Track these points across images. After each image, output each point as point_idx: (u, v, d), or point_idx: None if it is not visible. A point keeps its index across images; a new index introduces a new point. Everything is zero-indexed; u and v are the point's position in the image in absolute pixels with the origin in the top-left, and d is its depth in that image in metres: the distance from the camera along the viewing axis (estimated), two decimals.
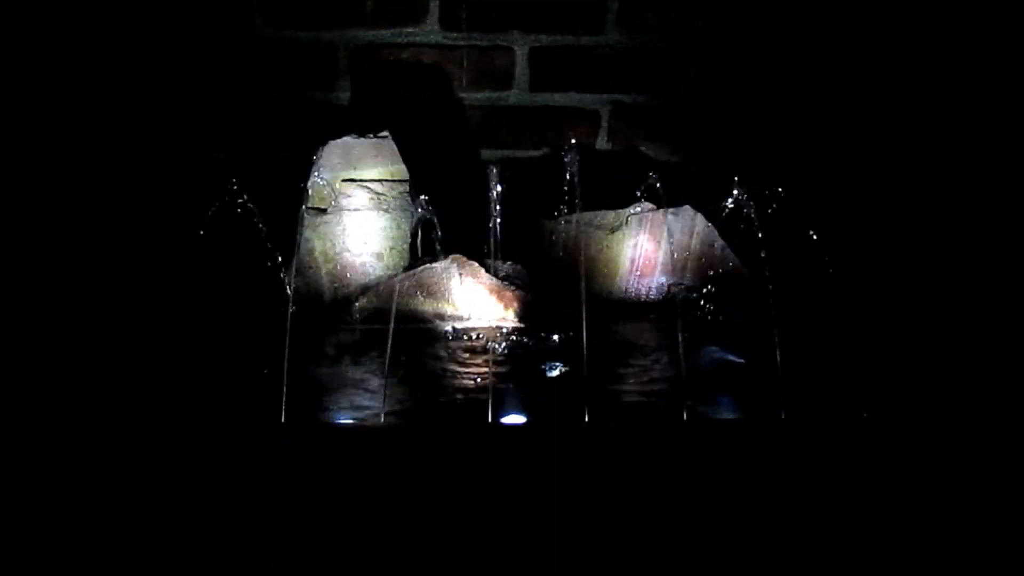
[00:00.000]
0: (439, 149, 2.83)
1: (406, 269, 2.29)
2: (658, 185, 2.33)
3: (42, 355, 1.86)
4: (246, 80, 2.82)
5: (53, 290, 2.17)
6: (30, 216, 2.45)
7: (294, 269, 2.18)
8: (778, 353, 1.78)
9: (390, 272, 2.34)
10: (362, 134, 2.38)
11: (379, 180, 2.35)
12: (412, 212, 2.31)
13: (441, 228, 2.28)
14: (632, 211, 2.37)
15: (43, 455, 1.56)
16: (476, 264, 2.23)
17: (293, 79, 2.83)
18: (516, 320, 2.26)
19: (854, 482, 1.65)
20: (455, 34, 2.85)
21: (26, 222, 2.43)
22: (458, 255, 2.23)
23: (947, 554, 1.60)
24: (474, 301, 2.25)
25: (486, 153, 2.92)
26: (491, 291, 2.25)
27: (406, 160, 2.39)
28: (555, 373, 1.94)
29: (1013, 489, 1.65)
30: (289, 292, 2.10)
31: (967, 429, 1.73)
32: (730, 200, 2.18)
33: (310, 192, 2.26)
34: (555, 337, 2.14)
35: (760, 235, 2.04)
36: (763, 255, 1.97)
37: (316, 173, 2.29)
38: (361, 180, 2.34)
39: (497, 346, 2.11)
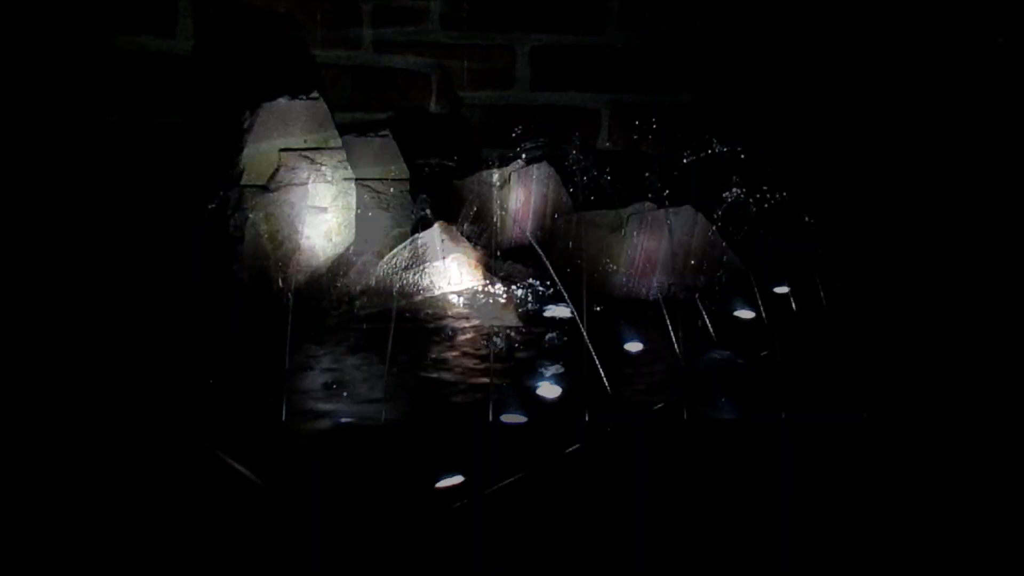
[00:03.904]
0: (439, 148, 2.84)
1: (387, 241, 2.28)
2: (659, 185, 2.33)
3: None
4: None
5: None
6: None
7: (240, 257, 2.04)
8: (778, 353, 1.78)
9: (339, 251, 2.23)
10: (294, 96, 2.17)
11: (317, 148, 2.20)
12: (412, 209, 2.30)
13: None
14: (633, 210, 2.37)
15: (36, 454, 1.56)
16: (454, 229, 2.26)
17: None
18: (485, 277, 2.27)
19: (855, 481, 1.65)
20: (456, 33, 2.85)
21: None
22: (441, 222, 2.24)
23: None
24: (456, 267, 2.28)
25: (487, 152, 2.91)
26: (468, 254, 2.28)
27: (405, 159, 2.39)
28: (552, 372, 1.94)
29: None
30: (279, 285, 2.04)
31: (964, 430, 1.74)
32: (730, 200, 2.19)
33: (243, 166, 2.06)
34: (555, 336, 2.14)
35: (760, 234, 2.04)
36: (764, 254, 1.97)
37: (250, 143, 2.06)
38: (361, 179, 2.30)
39: (496, 344, 2.11)
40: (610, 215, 2.39)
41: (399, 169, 2.31)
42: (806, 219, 2.22)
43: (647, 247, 2.34)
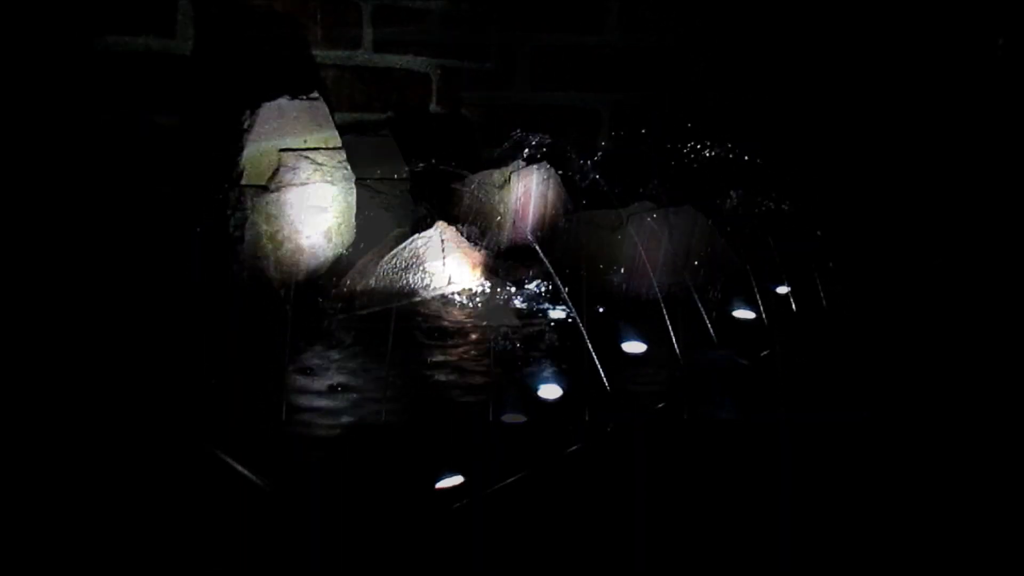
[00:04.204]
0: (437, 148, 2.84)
1: (388, 241, 2.26)
2: (658, 184, 2.34)
3: None
4: None
5: None
6: None
7: (240, 257, 2.03)
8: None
9: (339, 251, 2.23)
10: (294, 96, 2.17)
11: (316, 148, 2.20)
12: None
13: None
14: (633, 210, 2.37)
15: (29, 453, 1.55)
16: (454, 229, 2.31)
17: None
18: (485, 277, 2.33)
19: (855, 481, 1.65)
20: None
21: None
22: (442, 222, 2.28)
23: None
24: (456, 266, 2.31)
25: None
26: (468, 254, 2.33)
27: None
28: (552, 372, 1.94)
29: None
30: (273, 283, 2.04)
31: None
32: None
33: (243, 166, 2.05)
34: (555, 334, 2.15)
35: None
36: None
37: (250, 143, 2.04)
38: (361, 179, 2.26)
39: (496, 344, 2.11)
40: (611, 215, 2.39)
41: (398, 168, 2.30)
42: (806, 219, 2.22)
43: (647, 247, 2.33)
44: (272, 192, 2.11)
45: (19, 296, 1.96)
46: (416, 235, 2.27)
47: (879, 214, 2.64)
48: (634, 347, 2.10)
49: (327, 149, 2.20)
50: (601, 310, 2.21)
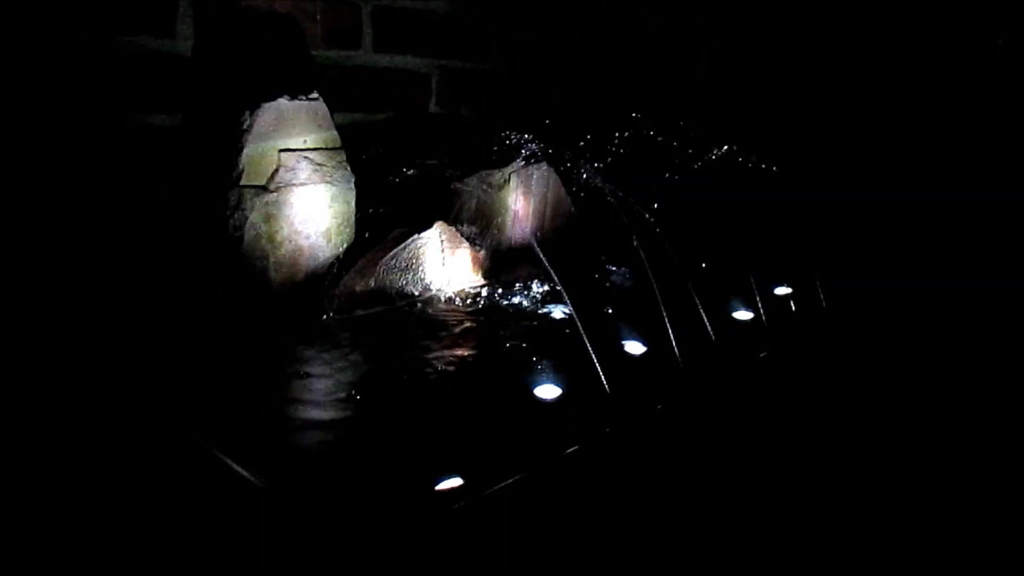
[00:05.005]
0: None
1: (387, 242, 2.25)
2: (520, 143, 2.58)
3: None
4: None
5: None
6: None
7: (240, 257, 2.02)
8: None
9: (339, 251, 2.22)
10: (294, 96, 2.16)
11: (316, 148, 2.18)
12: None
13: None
14: (512, 169, 2.61)
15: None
16: (454, 229, 2.35)
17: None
18: (485, 277, 2.41)
19: (855, 480, 1.65)
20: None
21: None
22: (441, 222, 2.31)
23: None
24: (455, 267, 2.35)
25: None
26: (467, 254, 2.38)
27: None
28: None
29: None
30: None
31: None
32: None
33: (243, 166, 2.05)
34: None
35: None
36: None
37: (250, 143, 2.03)
38: (289, 149, 2.15)
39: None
40: (496, 174, 2.59)
41: (332, 137, 2.21)
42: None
43: (522, 199, 2.66)
44: (271, 192, 2.11)
45: (17, 296, 1.96)
46: (416, 235, 2.27)
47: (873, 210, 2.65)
48: (633, 347, 2.11)
49: (327, 149, 2.20)
50: (596, 309, 2.24)
